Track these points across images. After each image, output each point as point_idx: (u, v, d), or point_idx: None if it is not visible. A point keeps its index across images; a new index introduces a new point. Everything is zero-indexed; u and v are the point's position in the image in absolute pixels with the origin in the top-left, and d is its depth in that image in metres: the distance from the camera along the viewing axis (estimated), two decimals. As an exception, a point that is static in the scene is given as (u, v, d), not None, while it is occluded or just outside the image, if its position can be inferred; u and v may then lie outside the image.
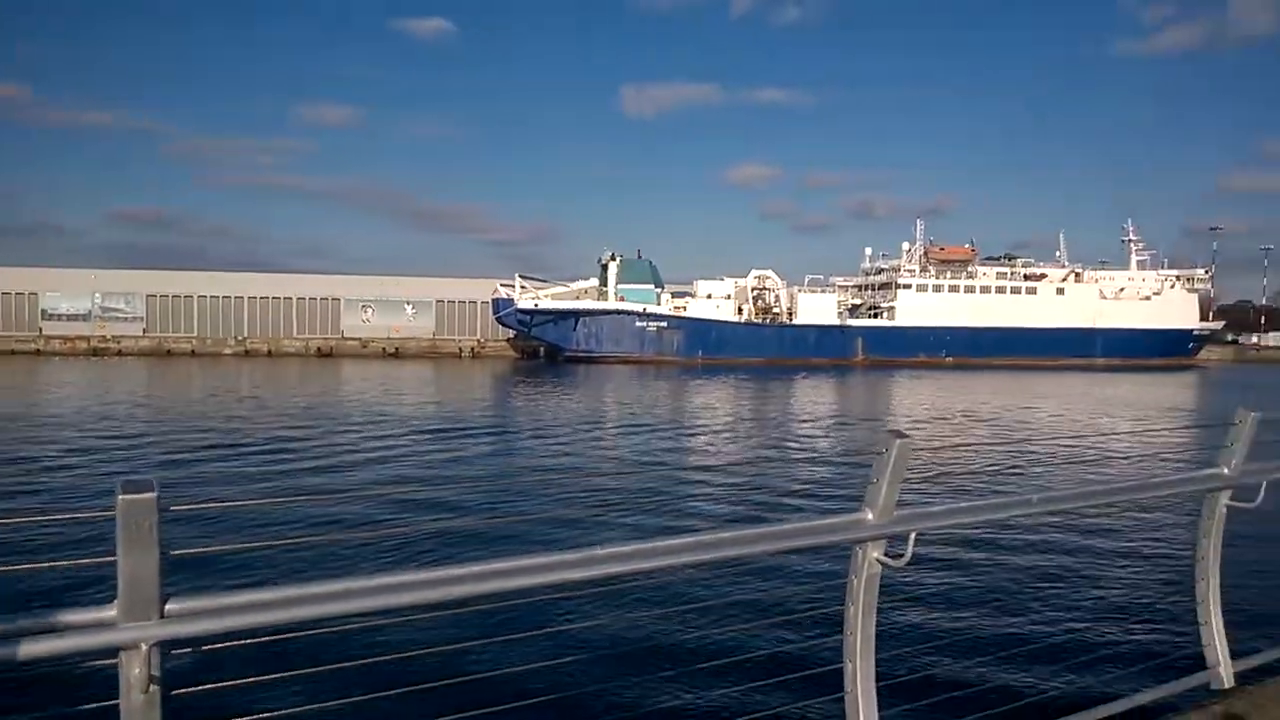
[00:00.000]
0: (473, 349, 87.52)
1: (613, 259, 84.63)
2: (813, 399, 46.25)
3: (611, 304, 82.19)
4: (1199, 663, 4.69)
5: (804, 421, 34.46)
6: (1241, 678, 4.63)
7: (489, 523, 12.87)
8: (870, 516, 3.49)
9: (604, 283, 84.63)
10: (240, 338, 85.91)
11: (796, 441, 27.97)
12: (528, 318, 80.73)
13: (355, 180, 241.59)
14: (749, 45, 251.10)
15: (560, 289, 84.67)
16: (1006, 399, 45.34)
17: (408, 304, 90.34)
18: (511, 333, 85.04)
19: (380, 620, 3.02)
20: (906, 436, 3.48)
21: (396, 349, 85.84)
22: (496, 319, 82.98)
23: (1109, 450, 21.65)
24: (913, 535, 3.58)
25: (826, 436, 29.28)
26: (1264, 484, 4.64)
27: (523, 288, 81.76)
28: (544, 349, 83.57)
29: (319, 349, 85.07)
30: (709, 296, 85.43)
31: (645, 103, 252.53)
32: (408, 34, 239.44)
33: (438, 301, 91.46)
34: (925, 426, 31.61)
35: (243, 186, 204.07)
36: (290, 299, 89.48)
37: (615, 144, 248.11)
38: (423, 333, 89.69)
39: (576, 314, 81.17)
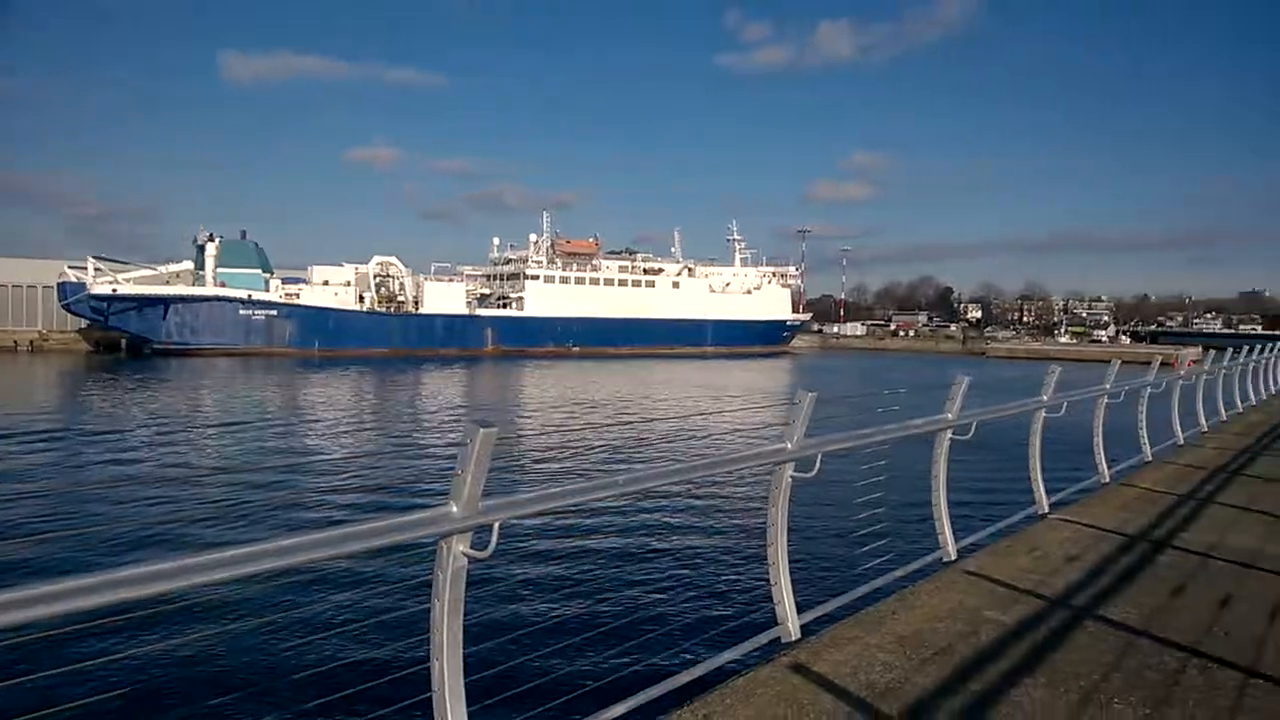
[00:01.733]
0: (32, 342, 74.43)
1: (211, 239, 76.76)
2: (437, 391, 45.93)
3: (210, 289, 74.62)
4: (772, 620, 5.22)
5: (423, 414, 34.11)
6: (807, 629, 5.21)
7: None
8: (455, 509, 3.42)
9: (200, 266, 76.48)
10: None
11: (409, 435, 27.61)
12: (104, 305, 70.18)
13: None
14: (378, 20, 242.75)
15: (146, 272, 75.06)
16: (626, 386, 48.73)
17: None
18: (85, 322, 73.69)
19: None
20: (491, 426, 3.43)
21: (-81, 344, 70.49)
22: (64, 306, 71.29)
23: (707, 430, 24.05)
24: (496, 525, 3.55)
25: (439, 429, 29.24)
26: (819, 455, 5.29)
27: (98, 270, 71.09)
28: (126, 341, 73.58)
29: None
30: (326, 283, 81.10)
31: (248, 70, 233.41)
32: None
33: (-18, 286, 76.57)
34: (538, 415, 32.91)
35: None
36: None
37: (220, 115, 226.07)
38: (-42, 323, 74.61)
39: (166, 300, 72.28)
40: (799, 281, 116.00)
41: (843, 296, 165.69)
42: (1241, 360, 20.50)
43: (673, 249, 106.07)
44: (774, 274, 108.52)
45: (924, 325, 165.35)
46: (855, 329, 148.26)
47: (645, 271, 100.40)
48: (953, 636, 5.16)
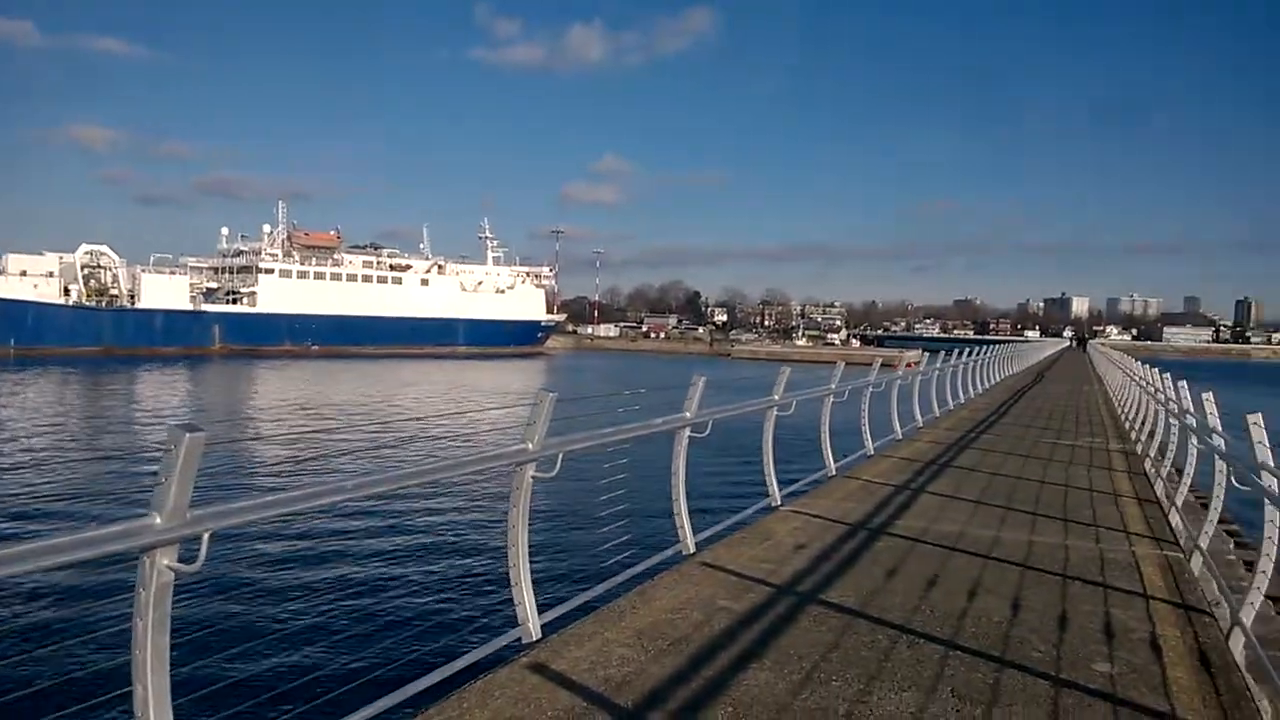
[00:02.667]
0: None
1: None
2: (151, 394, 42.14)
3: None
4: (514, 621, 5.21)
5: (133, 421, 31.23)
6: (548, 628, 5.22)
7: None
8: (158, 520, 3.12)
9: None
10: None
11: (104, 442, 25.27)
12: None
13: None
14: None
15: None
16: (371, 388, 47.03)
17: None
18: None
19: None
20: (199, 430, 3.16)
21: None
22: None
23: (454, 431, 23.74)
24: (207, 536, 3.28)
25: (131, 434, 26.98)
26: (560, 455, 5.33)
27: None
28: None
29: None
30: (24, 274, 72.35)
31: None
32: None
33: None
34: (269, 419, 31.12)
35: None
36: None
37: None
38: None
39: None
40: (553, 282, 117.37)
41: (597, 298, 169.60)
42: (953, 362, 23.04)
43: (421, 245, 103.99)
44: (528, 274, 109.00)
45: (674, 328, 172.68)
46: (609, 330, 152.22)
47: (392, 268, 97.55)
48: (689, 627, 5.38)
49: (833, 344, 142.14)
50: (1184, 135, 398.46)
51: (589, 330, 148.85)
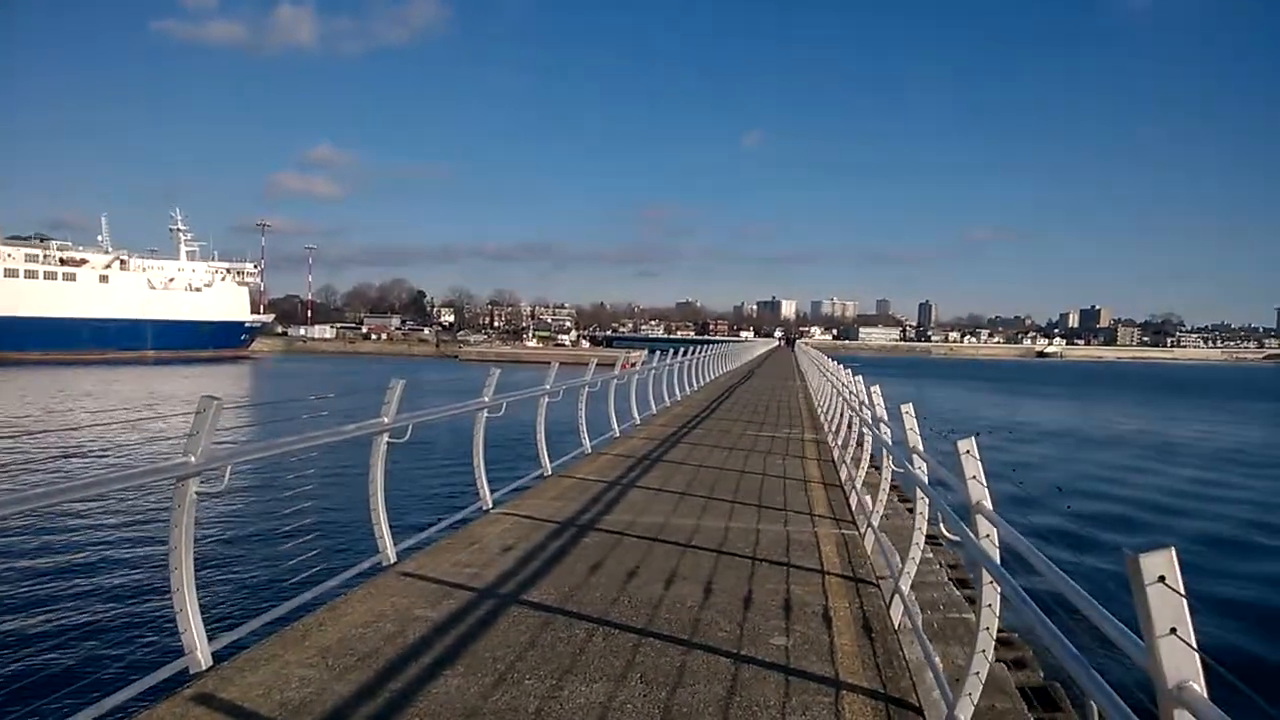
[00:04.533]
0: None
1: None
2: None
3: None
4: (181, 650, 4.85)
5: None
6: (221, 655, 4.93)
7: None
8: None
9: None
10: None
11: None
12: None
13: None
14: None
15: None
16: (32, 399, 41.96)
17: None
18: None
19: None
20: None
21: None
22: None
23: (112, 444, 21.77)
24: None
25: None
26: (229, 467, 5.06)
27: None
28: None
29: None
30: None
31: None
32: None
33: None
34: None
35: None
36: None
37: None
38: None
39: None
40: (258, 280, 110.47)
41: (310, 297, 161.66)
42: (669, 361, 24.20)
43: (100, 238, 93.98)
44: (228, 270, 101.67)
45: (398, 329, 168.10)
46: (325, 332, 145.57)
47: (63, 262, 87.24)
48: (380, 640, 5.28)
49: (563, 345, 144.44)
50: (881, 156, 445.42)
51: (302, 332, 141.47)
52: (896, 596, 6.57)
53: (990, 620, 4.29)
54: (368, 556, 7.01)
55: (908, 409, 6.88)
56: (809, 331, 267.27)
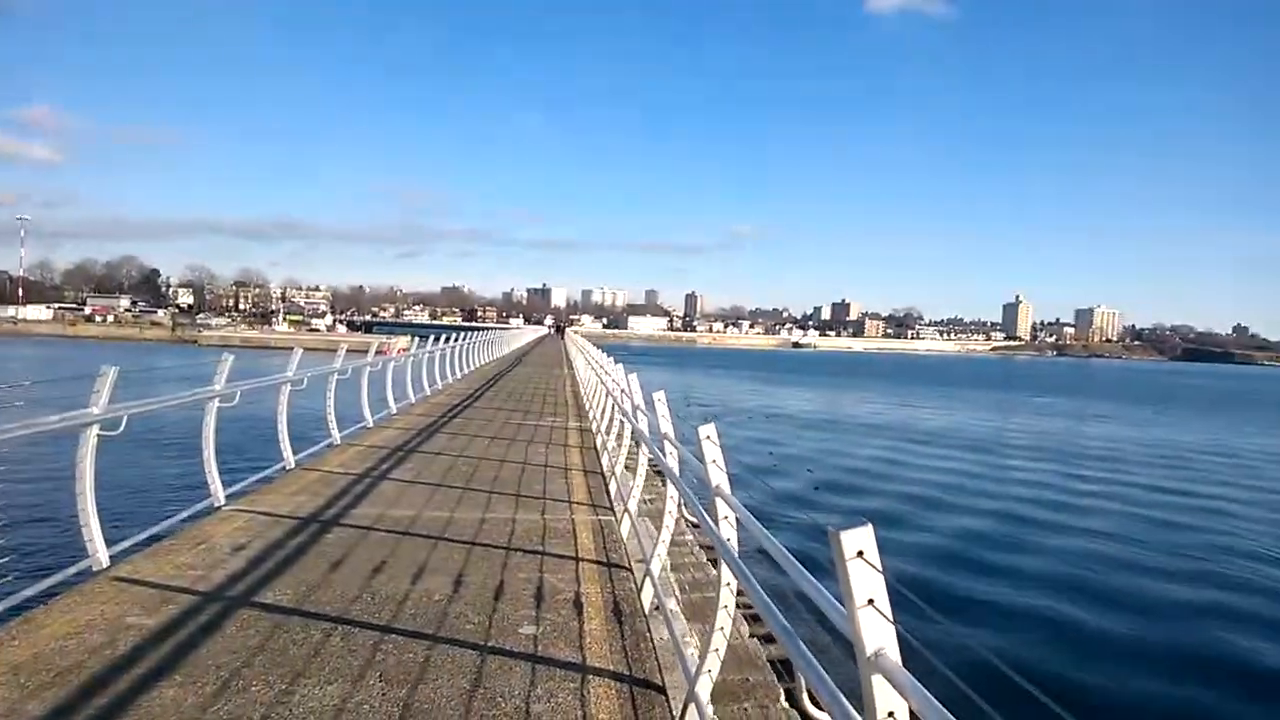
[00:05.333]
0: None
1: None
2: None
3: None
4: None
5: None
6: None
7: None
8: None
9: None
10: None
11: None
12: None
13: None
14: None
15: None
16: None
17: None
18: None
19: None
20: None
21: None
22: None
23: None
24: None
25: None
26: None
27: None
28: None
29: None
30: None
31: None
32: None
33: None
34: None
35: None
36: None
37: None
38: None
39: None
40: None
41: (22, 274, 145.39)
42: (431, 348, 23.67)
43: None
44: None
45: (127, 310, 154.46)
46: (40, 313, 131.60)
47: None
48: (84, 652, 4.81)
49: (318, 330, 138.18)
50: (652, 145, 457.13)
51: (11, 312, 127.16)
52: (648, 580, 6.75)
53: (728, 599, 4.48)
54: (75, 561, 6.37)
55: (660, 397, 7.08)
56: (579, 320, 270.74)
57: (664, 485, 7.40)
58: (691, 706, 4.45)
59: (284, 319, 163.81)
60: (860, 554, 2.28)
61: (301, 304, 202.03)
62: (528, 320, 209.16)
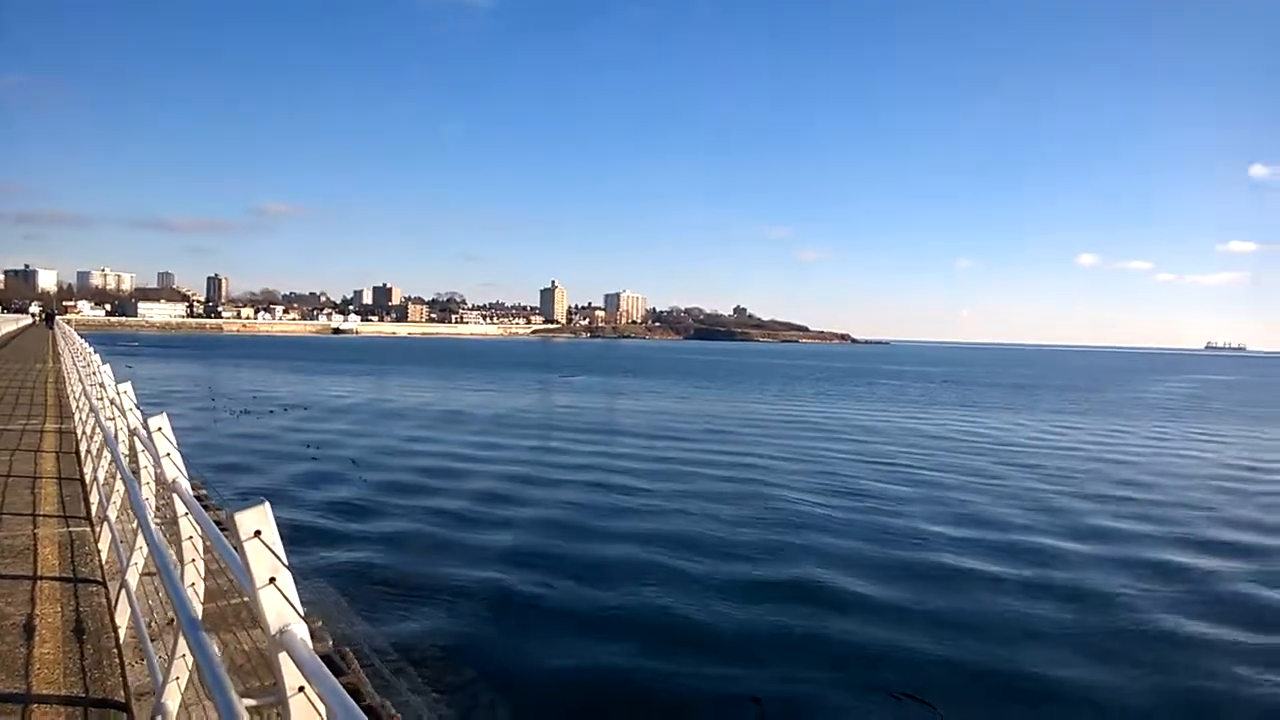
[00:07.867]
0: None
1: None
2: None
3: None
4: None
5: None
6: None
7: None
8: None
9: None
10: None
11: None
12: None
13: None
14: None
15: None
16: None
17: None
18: None
19: None
20: None
21: None
22: None
23: None
24: None
25: None
26: None
27: None
28: None
29: None
30: None
31: None
32: None
33: None
34: None
35: None
36: None
37: None
38: None
39: None
40: None
41: None
42: None
43: None
44: None
45: None
46: None
47: None
48: None
49: None
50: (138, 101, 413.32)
51: None
52: (124, 592, 6.33)
53: (193, 599, 4.40)
54: None
55: (126, 389, 6.65)
56: (75, 306, 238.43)
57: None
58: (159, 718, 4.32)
59: None
60: (258, 534, 2.43)
61: None
62: (7, 308, 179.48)
